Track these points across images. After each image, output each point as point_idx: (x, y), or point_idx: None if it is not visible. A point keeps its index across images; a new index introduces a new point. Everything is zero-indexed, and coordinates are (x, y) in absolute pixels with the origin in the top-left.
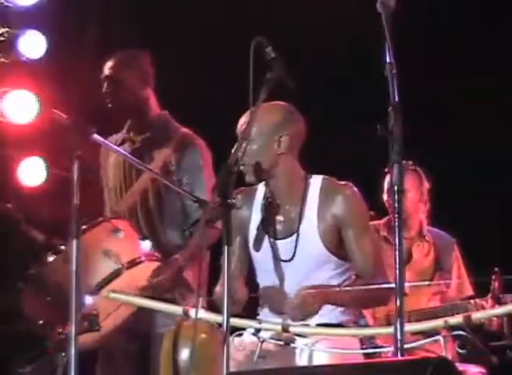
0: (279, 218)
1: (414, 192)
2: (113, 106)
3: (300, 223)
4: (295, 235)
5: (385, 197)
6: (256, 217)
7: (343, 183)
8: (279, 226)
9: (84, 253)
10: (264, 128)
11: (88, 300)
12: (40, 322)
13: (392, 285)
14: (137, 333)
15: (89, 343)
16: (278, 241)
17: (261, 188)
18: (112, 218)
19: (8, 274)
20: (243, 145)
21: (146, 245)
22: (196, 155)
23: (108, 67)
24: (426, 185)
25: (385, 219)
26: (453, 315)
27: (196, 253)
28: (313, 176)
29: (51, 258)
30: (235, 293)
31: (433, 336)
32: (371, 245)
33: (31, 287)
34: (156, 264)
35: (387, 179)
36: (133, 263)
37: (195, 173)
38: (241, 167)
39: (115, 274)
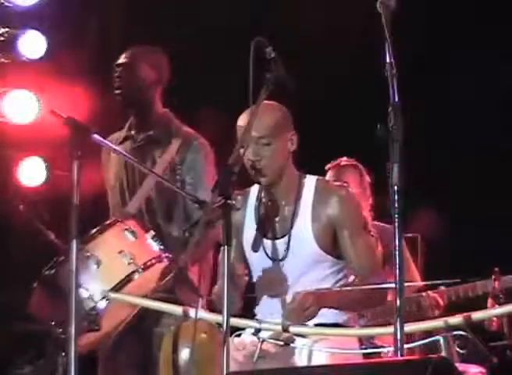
0: (275, 218)
1: (355, 188)
2: (121, 95)
3: (293, 222)
4: (288, 234)
5: None
6: (250, 218)
7: (337, 183)
8: (274, 226)
9: (100, 254)
10: (279, 126)
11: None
12: (53, 323)
13: (385, 285)
14: (141, 332)
15: (85, 344)
16: (272, 241)
17: (254, 189)
18: (123, 219)
19: (22, 274)
20: (250, 146)
21: (154, 245)
22: (199, 155)
23: (124, 56)
24: (367, 179)
25: None
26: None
27: (196, 253)
28: (307, 176)
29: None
30: (235, 271)
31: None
32: (366, 246)
33: (44, 288)
34: (165, 264)
35: (328, 175)
36: (147, 266)
37: (198, 172)
38: (261, 170)
39: (131, 277)
